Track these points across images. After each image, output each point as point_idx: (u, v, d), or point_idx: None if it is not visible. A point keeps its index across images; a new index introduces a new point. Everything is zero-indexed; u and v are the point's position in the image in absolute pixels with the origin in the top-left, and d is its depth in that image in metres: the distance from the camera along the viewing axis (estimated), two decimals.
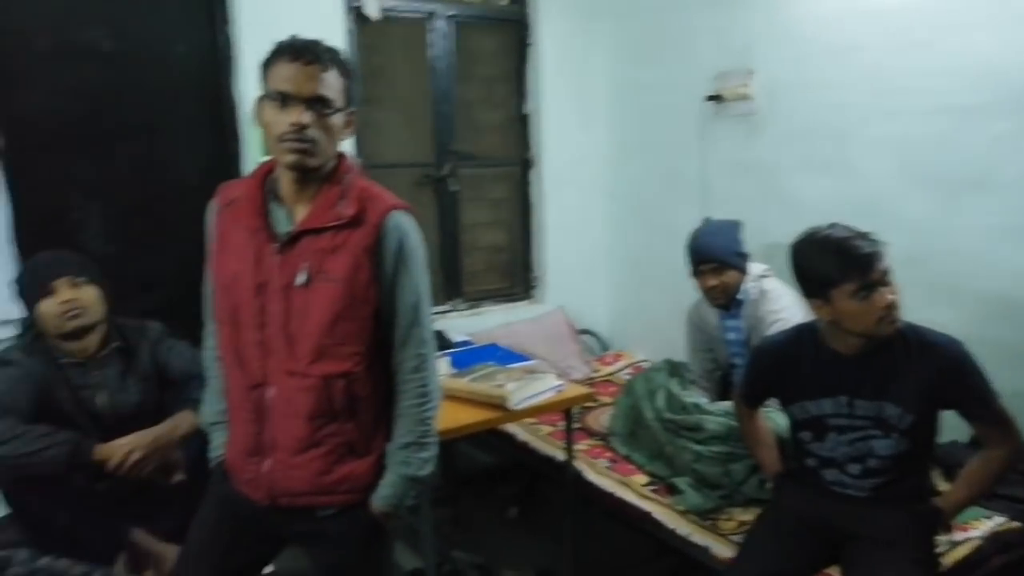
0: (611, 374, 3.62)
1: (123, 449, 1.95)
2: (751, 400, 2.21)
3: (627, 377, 3.45)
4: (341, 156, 1.61)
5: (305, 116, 1.47)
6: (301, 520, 1.62)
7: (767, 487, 2.26)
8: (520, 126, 3.83)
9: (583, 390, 2.59)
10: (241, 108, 3.00)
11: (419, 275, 1.60)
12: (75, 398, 2.08)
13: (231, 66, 2.98)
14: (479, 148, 3.74)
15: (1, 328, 2.61)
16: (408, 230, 1.58)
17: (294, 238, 1.54)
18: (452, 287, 3.71)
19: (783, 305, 2.57)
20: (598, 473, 2.66)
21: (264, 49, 1.55)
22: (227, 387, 1.66)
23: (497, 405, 2.34)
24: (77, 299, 2.06)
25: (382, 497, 1.61)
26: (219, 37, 2.98)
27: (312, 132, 1.48)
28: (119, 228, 2.95)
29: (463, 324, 3.59)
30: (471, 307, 3.76)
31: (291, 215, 1.57)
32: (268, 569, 1.93)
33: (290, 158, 1.50)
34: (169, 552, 2.05)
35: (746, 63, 3.23)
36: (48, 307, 2.05)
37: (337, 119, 1.53)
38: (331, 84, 1.50)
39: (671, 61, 3.60)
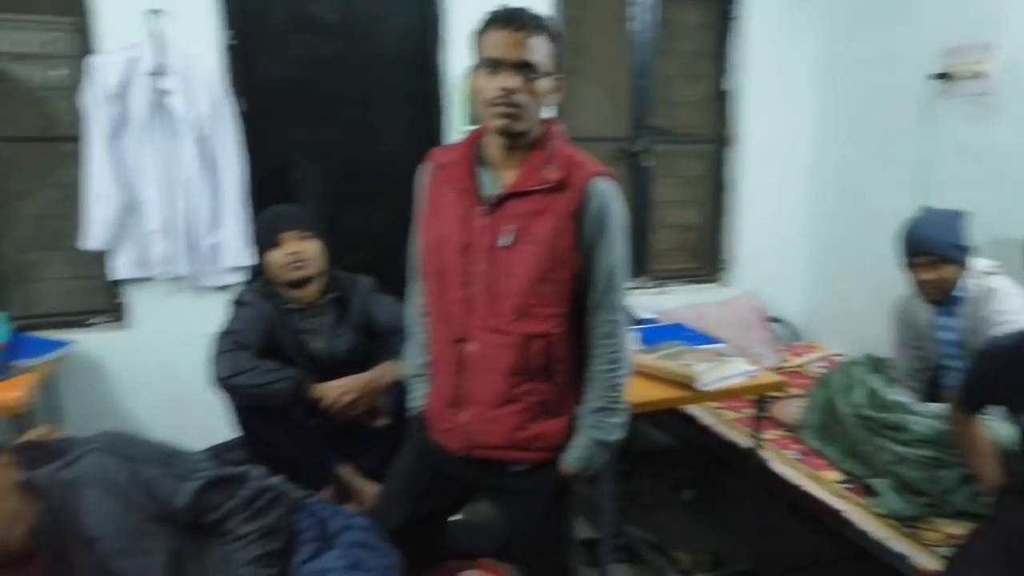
0: (801, 365, 3.45)
1: (337, 390, 2.12)
2: (970, 405, 2.03)
3: (819, 370, 3.29)
4: (549, 122, 1.64)
5: (512, 81, 1.51)
6: (492, 473, 1.69)
7: (982, 500, 2.08)
8: (719, 102, 3.71)
9: (776, 378, 2.49)
10: (446, 78, 3.12)
11: (617, 242, 1.61)
12: (295, 341, 2.29)
13: (439, 38, 3.10)
14: (676, 124, 3.66)
15: (234, 273, 2.92)
16: (611, 197, 1.60)
17: (500, 201, 1.59)
18: (639, 264, 3.67)
19: (1013, 307, 2.32)
20: (786, 464, 2.56)
21: (470, 23, 1.60)
22: (431, 340, 1.74)
23: (684, 385, 2.31)
24: (302, 251, 2.25)
25: (573, 459, 1.65)
26: (429, 10, 3.10)
27: (519, 97, 1.52)
28: (334, 189, 3.18)
29: (647, 302, 3.55)
30: (657, 286, 3.71)
31: (498, 179, 1.62)
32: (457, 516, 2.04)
33: (498, 123, 1.54)
34: (369, 489, 2.21)
35: (983, 37, 2.93)
36: (276, 257, 2.25)
37: (544, 83, 1.55)
38: (538, 49, 1.53)
39: (891, 36, 3.33)
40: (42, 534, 1.42)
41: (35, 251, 2.99)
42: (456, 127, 3.08)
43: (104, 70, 2.65)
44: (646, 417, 2.72)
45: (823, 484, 2.43)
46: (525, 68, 1.52)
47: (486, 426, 1.65)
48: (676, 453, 3.49)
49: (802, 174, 3.79)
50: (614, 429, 1.65)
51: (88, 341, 2.89)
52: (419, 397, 1.81)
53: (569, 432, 1.66)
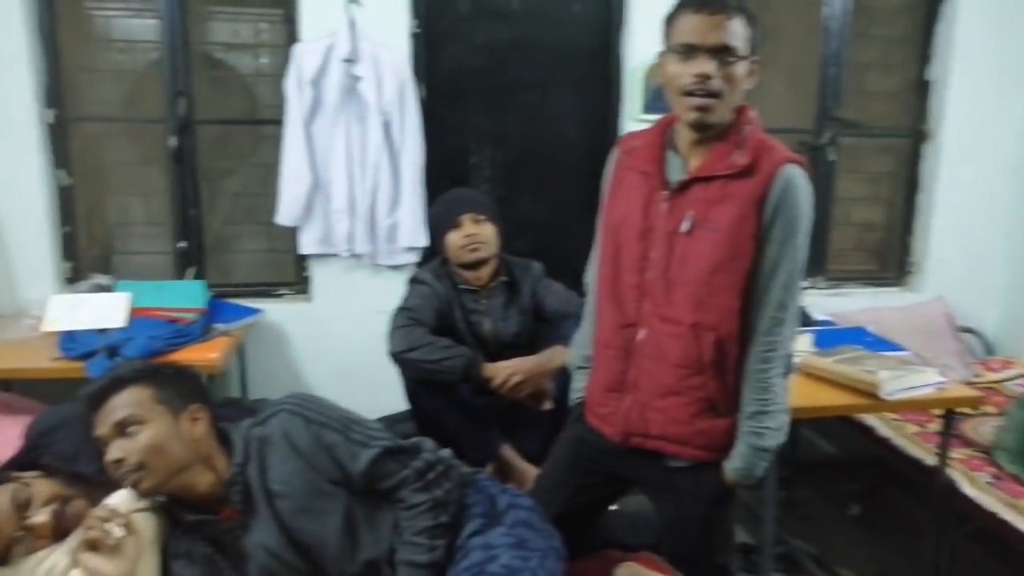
0: (997, 382, 3.15)
1: (506, 370, 2.17)
2: None
3: (1019, 388, 2.99)
4: (742, 108, 1.58)
5: (709, 66, 1.46)
6: (650, 465, 1.66)
7: None
8: (918, 93, 3.43)
9: (969, 392, 2.30)
10: (625, 66, 3.09)
11: (799, 234, 1.52)
12: (467, 320, 2.36)
13: (622, 25, 3.07)
14: (865, 116, 3.43)
15: (409, 253, 3.05)
16: (797, 185, 1.51)
17: (684, 186, 1.55)
18: (815, 263, 3.49)
19: None
20: (978, 488, 2.34)
21: (653, 9, 1.56)
22: (599, 324, 1.73)
23: (864, 392, 2.17)
24: (478, 234, 2.31)
25: (732, 468, 1.59)
26: None
27: (716, 83, 1.47)
28: (506, 175, 3.24)
29: (821, 303, 3.36)
30: (832, 286, 3.51)
31: (685, 165, 1.58)
32: (613, 507, 2.04)
33: (691, 116, 1.51)
34: (530, 472, 2.24)
35: None
36: (453, 238, 2.33)
37: (741, 68, 1.49)
38: (736, 32, 1.47)
39: None
40: (234, 484, 1.53)
41: (234, 225, 3.26)
42: (632, 116, 3.05)
43: (305, 57, 2.83)
44: (813, 423, 2.58)
45: (1022, 512, 2.21)
46: (723, 52, 1.47)
47: (646, 414, 1.63)
48: (843, 464, 3.29)
49: (1006, 173, 3.44)
50: (771, 434, 1.56)
51: (275, 310, 3.11)
52: (580, 389, 1.81)
53: (736, 435, 1.60)
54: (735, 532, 2.58)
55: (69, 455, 1.72)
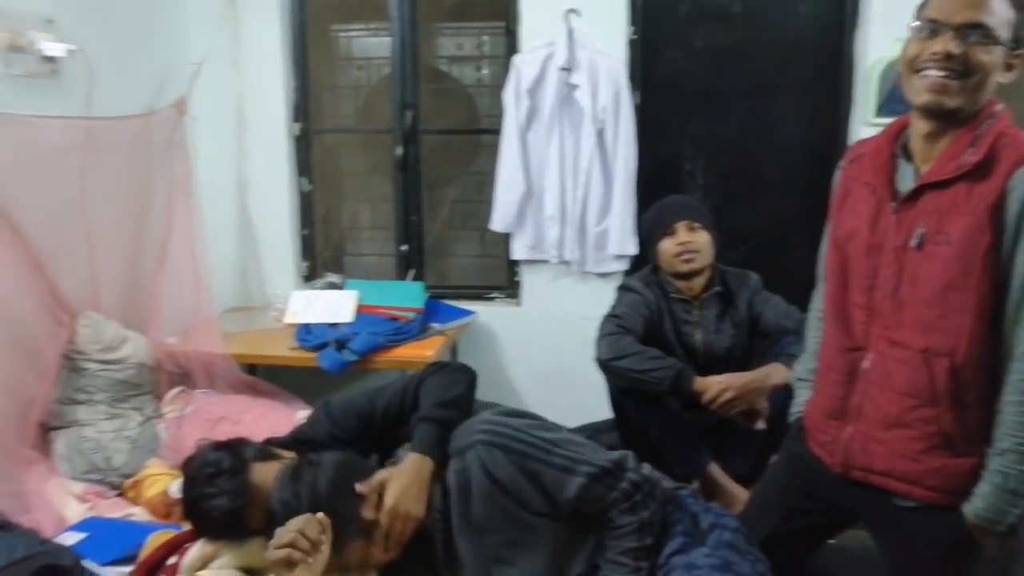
0: None
1: (719, 385, 2.08)
2: None
3: None
4: (988, 103, 1.39)
5: (951, 44, 1.31)
6: (875, 501, 1.51)
7: None
8: None
9: None
10: (857, 67, 2.88)
11: None
12: (677, 331, 2.30)
13: (856, 23, 2.87)
14: None
15: (617, 260, 3.04)
16: None
17: (914, 195, 1.40)
18: None
19: None
20: None
21: (892, 3, 1.41)
22: (822, 345, 1.62)
23: None
24: (692, 242, 2.25)
25: (973, 510, 1.39)
26: None
27: (958, 64, 1.31)
28: (721, 183, 3.14)
29: None
30: None
31: (917, 172, 1.43)
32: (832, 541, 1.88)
33: (923, 98, 1.36)
34: (738, 493, 2.14)
35: None
36: (667, 245, 2.28)
37: (993, 53, 1.32)
38: (994, 11, 1.31)
39: None
40: (438, 520, 1.55)
41: (451, 230, 3.44)
42: (864, 120, 2.83)
43: (523, 67, 2.92)
44: None
45: None
46: (974, 31, 1.31)
47: (869, 446, 1.48)
48: None
49: None
50: None
51: (487, 313, 3.23)
52: (801, 403, 1.70)
53: (978, 476, 1.40)
54: None
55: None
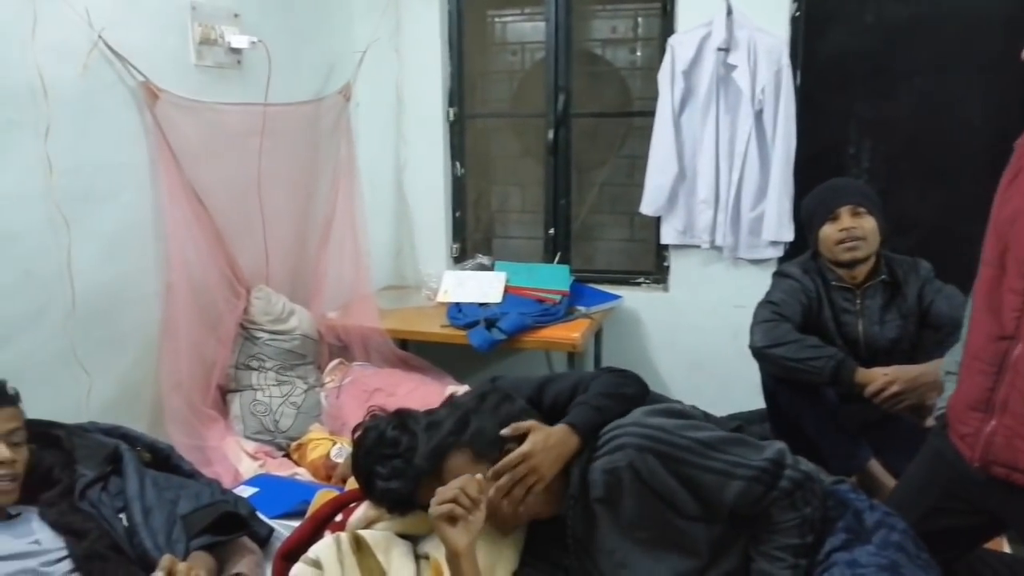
0: None
1: (885, 378, 1.96)
2: None
3: None
4: None
5: None
6: (1020, 503, 1.40)
7: None
8: None
9: None
10: None
11: None
12: (837, 321, 2.19)
13: None
14: None
15: (772, 247, 2.93)
16: None
17: None
18: None
19: None
20: None
21: None
22: (971, 333, 1.50)
23: None
24: (856, 227, 2.13)
25: None
26: None
27: None
28: (888, 167, 2.96)
29: None
30: None
31: None
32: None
33: None
34: None
35: None
36: (828, 231, 2.17)
37: None
38: None
39: None
40: (572, 507, 1.51)
41: (599, 214, 3.43)
42: None
43: (679, 48, 2.86)
44: None
45: None
46: None
47: (1013, 442, 1.37)
48: None
49: None
50: None
51: (633, 298, 3.20)
52: (948, 398, 1.58)
53: None
54: None
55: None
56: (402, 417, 1.67)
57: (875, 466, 2.10)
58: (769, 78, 2.78)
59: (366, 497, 1.67)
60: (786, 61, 2.79)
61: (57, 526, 1.50)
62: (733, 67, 2.79)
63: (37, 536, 1.49)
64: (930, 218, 2.89)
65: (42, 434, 1.62)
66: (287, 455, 2.48)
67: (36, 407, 1.62)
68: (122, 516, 1.57)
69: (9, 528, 1.48)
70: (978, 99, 2.82)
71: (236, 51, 2.59)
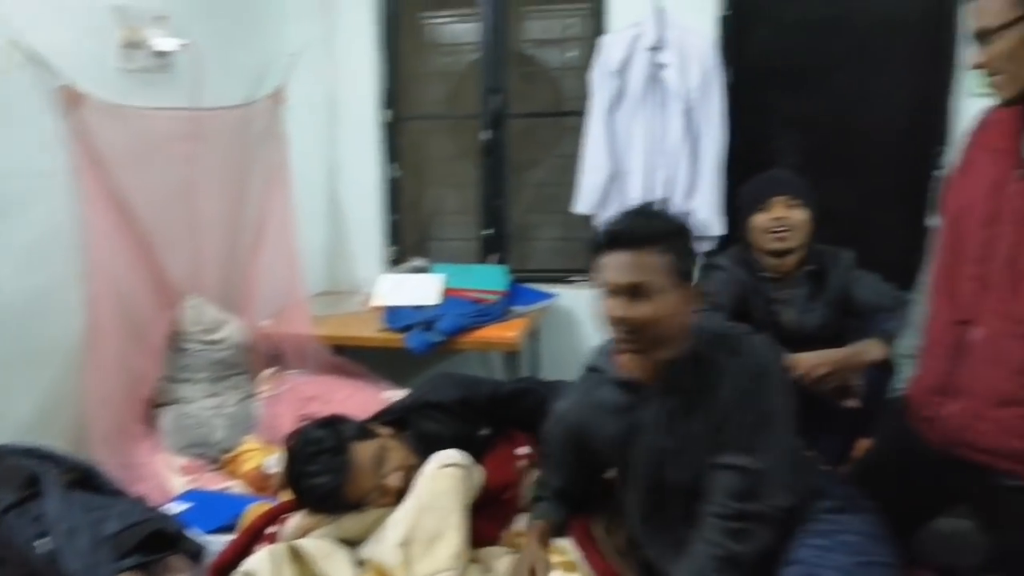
0: None
1: (811, 361, 2.01)
2: None
3: None
4: None
5: (975, 56, 1.35)
6: (977, 481, 1.46)
7: None
8: None
9: None
10: (964, 36, 2.72)
11: None
12: (766, 310, 2.23)
13: None
14: None
15: (703, 242, 2.97)
16: None
17: None
18: None
19: None
20: None
21: None
22: (928, 318, 1.56)
23: None
24: (788, 218, 2.17)
25: None
26: None
27: (992, 64, 1.33)
28: (812, 161, 3.02)
29: None
30: None
31: None
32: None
33: (994, 97, 1.38)
34: None
35: None
36: (760, 220, 2.21)
37: (1010, 36, 1.30)
38: (986, 10, 1.32)
39: None
40: (678, 363, 1.47)
41: (535, 213, 3.44)
42: (970, 91, 2.68)
43: (610, 48, 2.89)
44: None
45: None
46: (979, 38, 1.33)
47: (975, 423, 1.43)
48: None
49: None
50: None
51: (569, 296, 3.23)
52: (906, 380, 1.65)
53: None
54: None
55: (433, 434, 1.87)
56: (330, 418, 1.71)
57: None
58: (699, 76, 2.83)
59: (300, 502, 1.65)
60: (714, 60, 2.85)
61: None
62: (663, 66, 2.83)
63: None
64: (851, 209, 2.97)
65: None
66: (220, 468, 2.42)
67: None
68: (42, 541, 1.51)
69: None
70: (895, 94, 2.92)
71: (163, 54, 2.52)
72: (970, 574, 1.78)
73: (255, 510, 1.79)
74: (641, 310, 1.42)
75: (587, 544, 1.65)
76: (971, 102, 2.54)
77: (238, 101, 2.89)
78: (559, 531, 1.69)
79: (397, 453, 1.74)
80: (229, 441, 2.48)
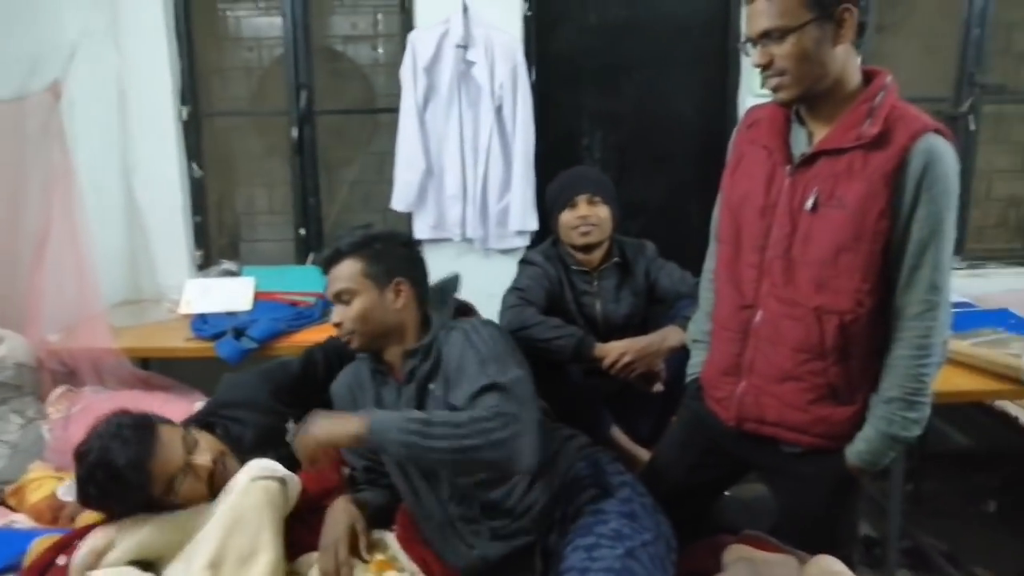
0: None
1: (617, 350, 2.12)
2: None
3: None
4: (876, 73, 1.47)
5: (757, 56, 1.43)
6: (765, 450, 1.60)
7: None
8: None
9: None
10: (743, 39, 2.97)
11: (942, 209, 1.39)
12: (577, 302, 2.33)
13: None
14: (1012, 80, 3.17)
15: (519, 236, 3.06)
16: (940, 155, 1.38)
17: (810, 160, 1.47)
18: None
19: None
20: None
21: None
22: (717, 305, 1.68)
23: (1008, 377, 2.02)
24: (591, 215, 2.27)
25: (856, 452, 1.50)
26: None
27: (778, 64, 1.41)
28: (617, 156, 3.20)
29: (959, 285, 3.12)
30: (971, 267, 3.27)
31: (812, 137, 1.50)
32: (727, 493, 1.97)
33: (775, 96, 1.47)
34: (641, 454, 2.20)
35: None
36: (567, 218, 2.30)
37: (802, 38, 1.38)
38: (776, 10, 1.38)
39: None
40: (412, 355, 1.69)
41: (351, 212, 3.38)
42: (752, 91, 2.93)
43: (419, 45, 2.89)
44: (944, 411, 2.41)
45: None
46: (764, 38, 1.41)
47: (761, 399, 1.56)
48: (978, 456, 3.06)
49: None
50: (909, 425, 1.46)
51: None
52: (697, 364, 1.76)
53: (858, 422, 1.50)
54: (859, 524, 2.47)
55: (235, 435, 1.85)
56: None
57: (617, 433, 2.27)
58: (506, 74, 2.89)
59: (101, 489, 1.54)
60: (521, 58, 2.92)
61: None
62: (472, 63, 2.87)
63: None
64: (654, 201, 3.18)
65: None
66: (2, 502, 2.17)
67: None
68: None
69: None
70: (687, 91, 3.14)
71: None
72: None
73: (42, 543, 1.62)
74: (347, 312, 1.66)
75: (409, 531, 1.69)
76: (752, 101, 2.78)
77: (6, 96, 2.61)
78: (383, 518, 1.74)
79: (206, 440, 1.70)
80: (11, 471, 2.22)
